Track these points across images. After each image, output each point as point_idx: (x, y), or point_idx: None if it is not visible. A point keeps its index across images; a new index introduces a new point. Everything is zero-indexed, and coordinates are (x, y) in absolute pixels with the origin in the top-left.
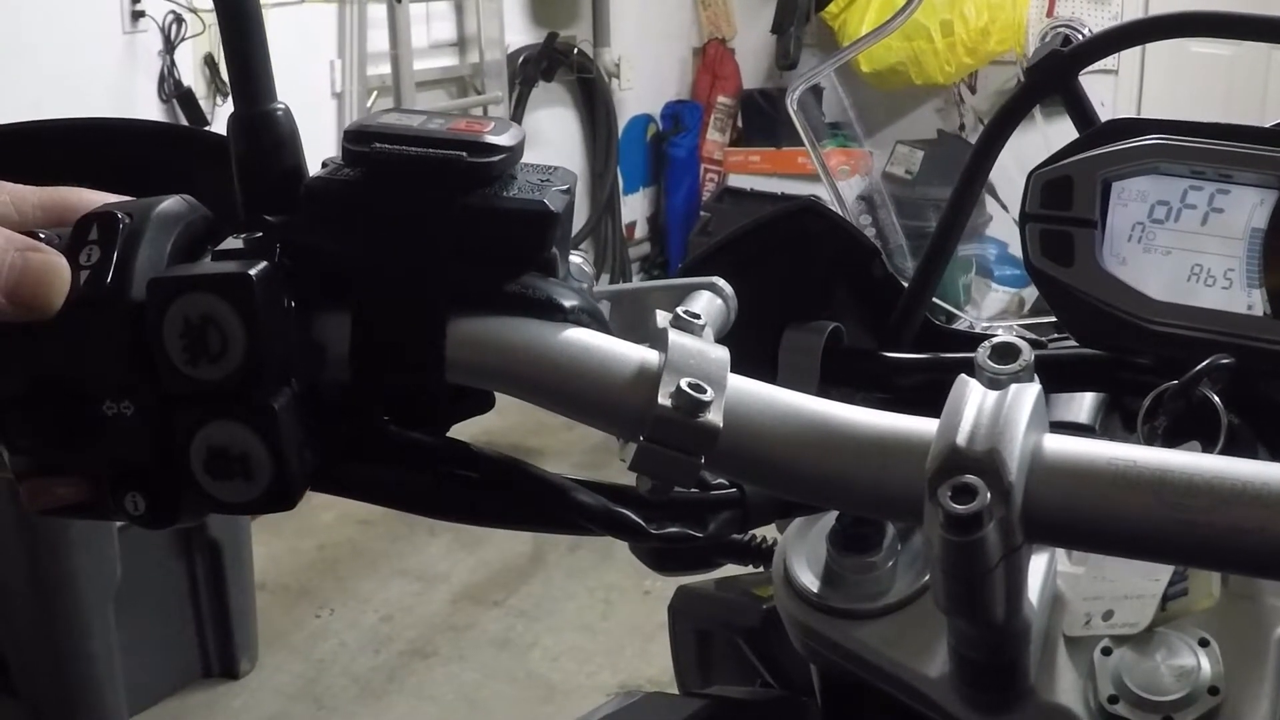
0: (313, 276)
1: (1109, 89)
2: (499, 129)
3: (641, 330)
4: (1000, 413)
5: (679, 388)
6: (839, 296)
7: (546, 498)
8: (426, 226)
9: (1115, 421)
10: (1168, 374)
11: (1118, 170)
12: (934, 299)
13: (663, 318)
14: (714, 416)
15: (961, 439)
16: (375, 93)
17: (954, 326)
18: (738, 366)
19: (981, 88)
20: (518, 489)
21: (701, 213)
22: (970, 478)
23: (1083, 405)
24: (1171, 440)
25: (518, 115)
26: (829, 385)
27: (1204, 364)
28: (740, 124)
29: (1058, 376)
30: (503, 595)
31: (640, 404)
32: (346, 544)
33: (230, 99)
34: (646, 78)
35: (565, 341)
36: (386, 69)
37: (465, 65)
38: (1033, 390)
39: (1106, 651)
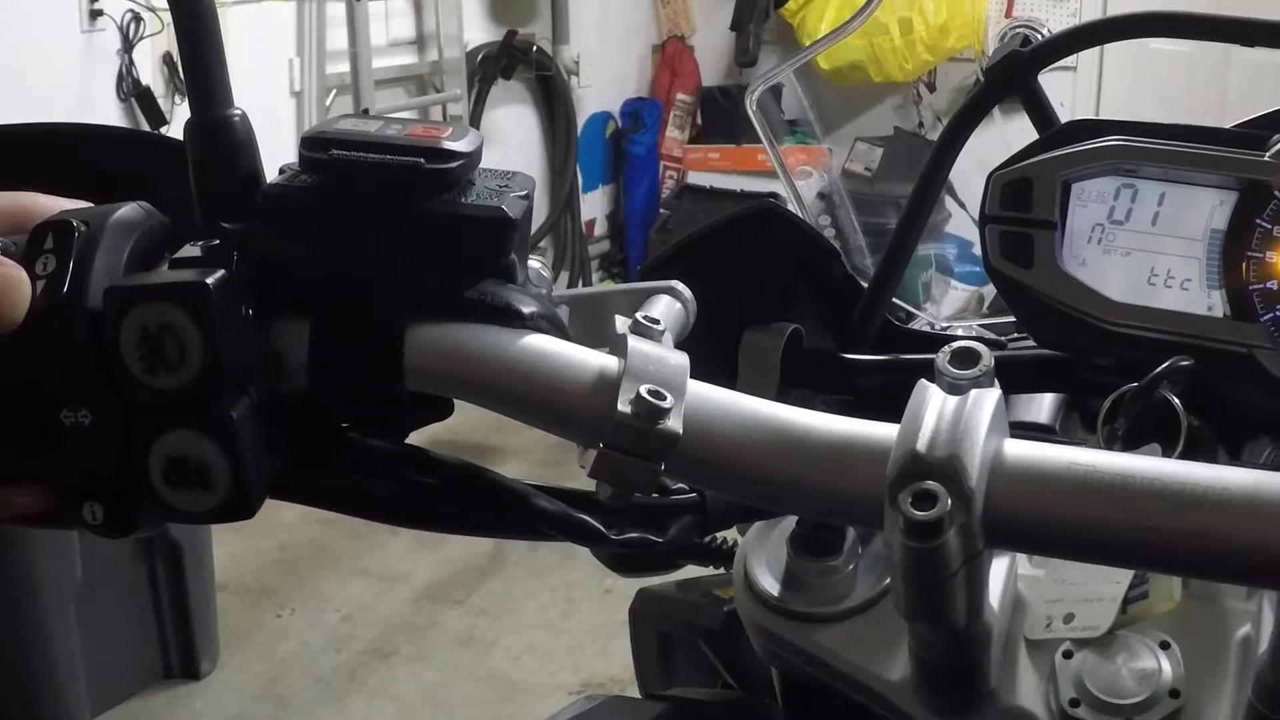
0: (271, 284)
1: (1068, 86)
2: (457, 135)
3: (601, 335)
4: (960, 418)
5: (638, 394)
6: (799, 298)
7: (506, 504)
8: (384, 233)
9: (1075, 421)
10: (1128, 375)
11: (1077, 171)
12: (893, 298)
13: (622, 323)
14: (673, 423)
15: (922, 445)
16: (334, 91)
17: (913, 326)
18: (697, 368)
19: (941, 85)
20: (477, 495)
21: (661, 210)
22: (931, 484)
23: (1043, 405)
24: (1132, 442)
25: (477, 113)
26: (789, 387)
27: (1163, 366)
28: (699, 121)
29: (1018, 377)
30: (464, 594)
31: (599, 411)
32: (307, 543)
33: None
34: (606, 75)
35: (524, 348)
36: (345, 67)
37: (424, 63)
38: (993, 395)
39: (1068, 654)
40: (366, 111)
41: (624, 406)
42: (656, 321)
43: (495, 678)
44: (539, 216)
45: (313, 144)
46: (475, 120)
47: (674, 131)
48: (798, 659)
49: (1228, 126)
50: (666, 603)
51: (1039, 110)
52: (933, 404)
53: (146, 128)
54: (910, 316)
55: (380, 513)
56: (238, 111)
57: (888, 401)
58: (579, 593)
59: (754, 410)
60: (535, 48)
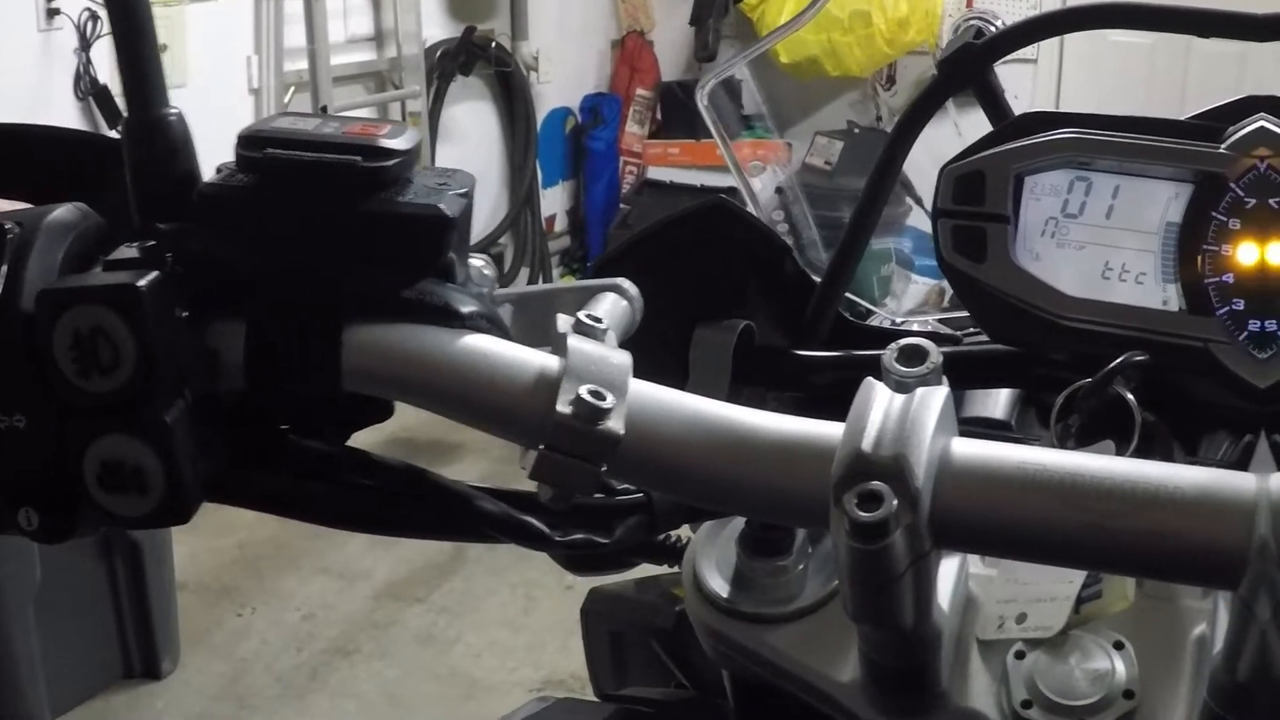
0: (206, 284)
1: (1027, 78)
2: (394, 133)
3: (546, 334)
4: (907, 417)
5: (578, 395)
6: (751, 294)
7: (448, 506)
8: (321, 232)
9: (1031, 417)
10: (1082, 370)
11: (1030, 164)
12: (848, 294)
13: (564, 322)
14: (614, 424)
15: (867, 444)
16: (293, 89)
17: (870, 321)
18: (649, 366)
19: (900, 79)
20: (419, 498)
21: (621, 205)
22: (876, 484)
23: (999, 400)
24: (1086, 438)
25: (436, 110)
26: (741, 385)
27: (1117, 362)
28: (659, 116)
29: (971, 373)
30: (424, 592)
31: (539, 411)
32: (267, 542)
33: None
34: (565, 71)
35: (462, 349)
36: (304, 64)
37: (383, 60)
38: (940, 394)
39: (1020, 655)
40: (325, 109)
41: (563, 407)
42: (599, 320)
43: (456, 675)
44: (499, 213)
45: (248, 143)
46: (434, 117)
47: (634, 127)
48: (747, 660)
49: (1184, 118)
50: (618, 602)
51: (993, 103)
52: (879, 403)
53: (104, 126)
54: (869, 312)
55: (321, 515)
56: (174, 111)
57: (840, 399)
58: (539, 590)
59: (698, 410)
60: (494, 44)
